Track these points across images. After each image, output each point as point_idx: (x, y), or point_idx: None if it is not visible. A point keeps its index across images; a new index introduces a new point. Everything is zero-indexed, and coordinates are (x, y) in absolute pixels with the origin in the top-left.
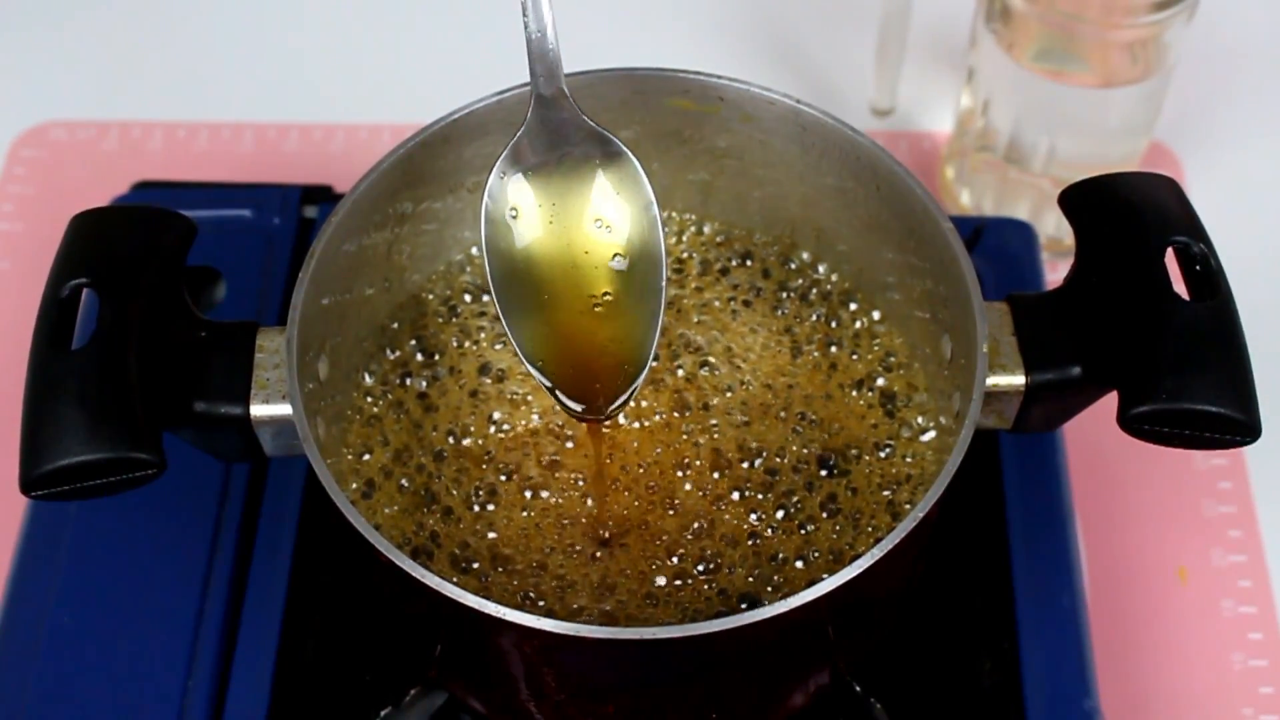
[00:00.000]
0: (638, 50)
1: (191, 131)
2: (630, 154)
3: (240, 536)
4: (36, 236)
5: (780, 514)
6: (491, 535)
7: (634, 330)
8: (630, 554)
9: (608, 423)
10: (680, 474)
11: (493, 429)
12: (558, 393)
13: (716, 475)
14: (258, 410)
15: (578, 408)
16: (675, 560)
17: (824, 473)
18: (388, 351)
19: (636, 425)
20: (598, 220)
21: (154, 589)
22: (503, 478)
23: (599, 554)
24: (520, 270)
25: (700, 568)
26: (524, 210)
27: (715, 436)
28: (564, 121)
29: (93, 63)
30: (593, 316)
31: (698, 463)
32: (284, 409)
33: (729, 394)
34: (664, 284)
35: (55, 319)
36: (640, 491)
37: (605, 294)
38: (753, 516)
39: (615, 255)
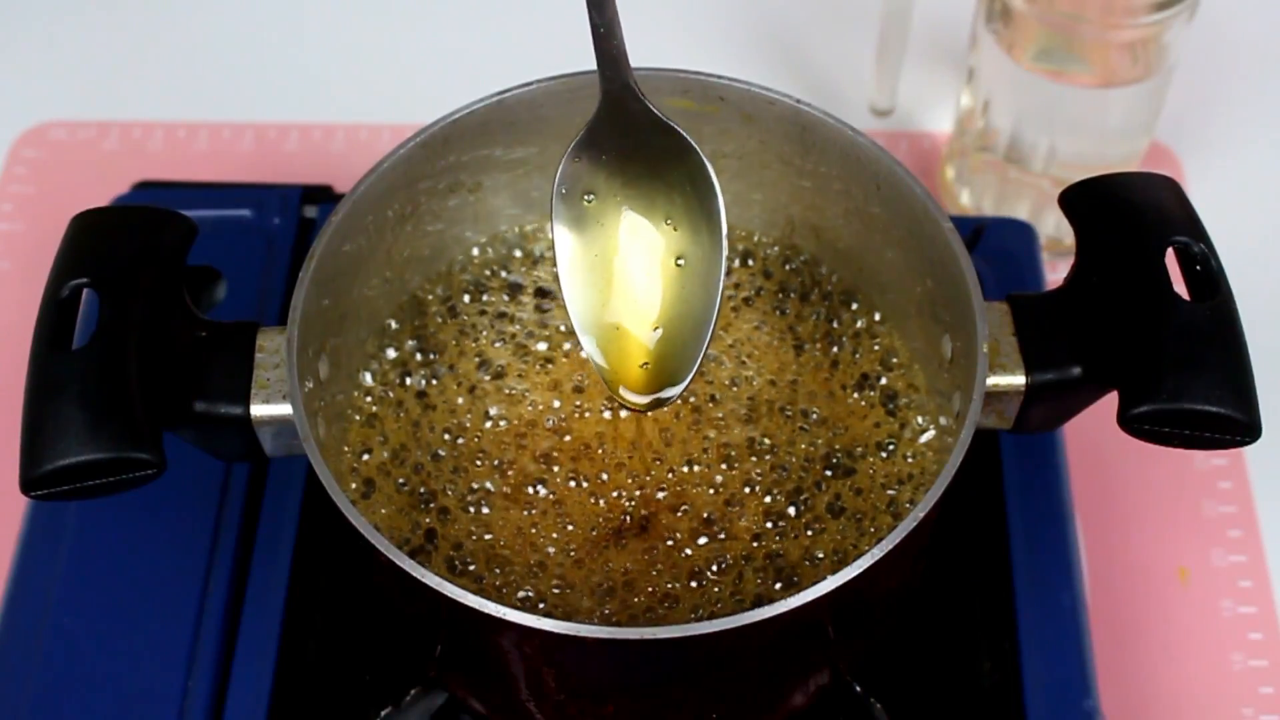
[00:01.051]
0: (638, 50)
1: (192, 131)
2: (696, 146)
3: (240, 536)
4: (37, 236)
5: (792, 511)
6: (488, 536)
7: (689, 319)
8: (635, 554)
9: (649, 414)
10: (687, 469)
11: (489, 424)
12: (605, 373)
13: (725, 467)
14: (258, 410)
15: (631, 398)
16: (685, 556)
17: (829, 472)
18: (388, 351)
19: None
20: (668, 218)
21: (154, 589)
22: (499, 475)
23: (605, 551)
24: (585, 248)
25: (713, 568)
26: (599, 194)
27: (722, 430)
28: (633, 113)
29: (93, 63)
30: (649, 298)
31: (705, 454)
32: (284, 409)
33: (734, 388)
34: (721, 279)
35: (55, 319)
36: (650, 488)
37: (678, 258)
38: (765, 517)
39: (678, 258)
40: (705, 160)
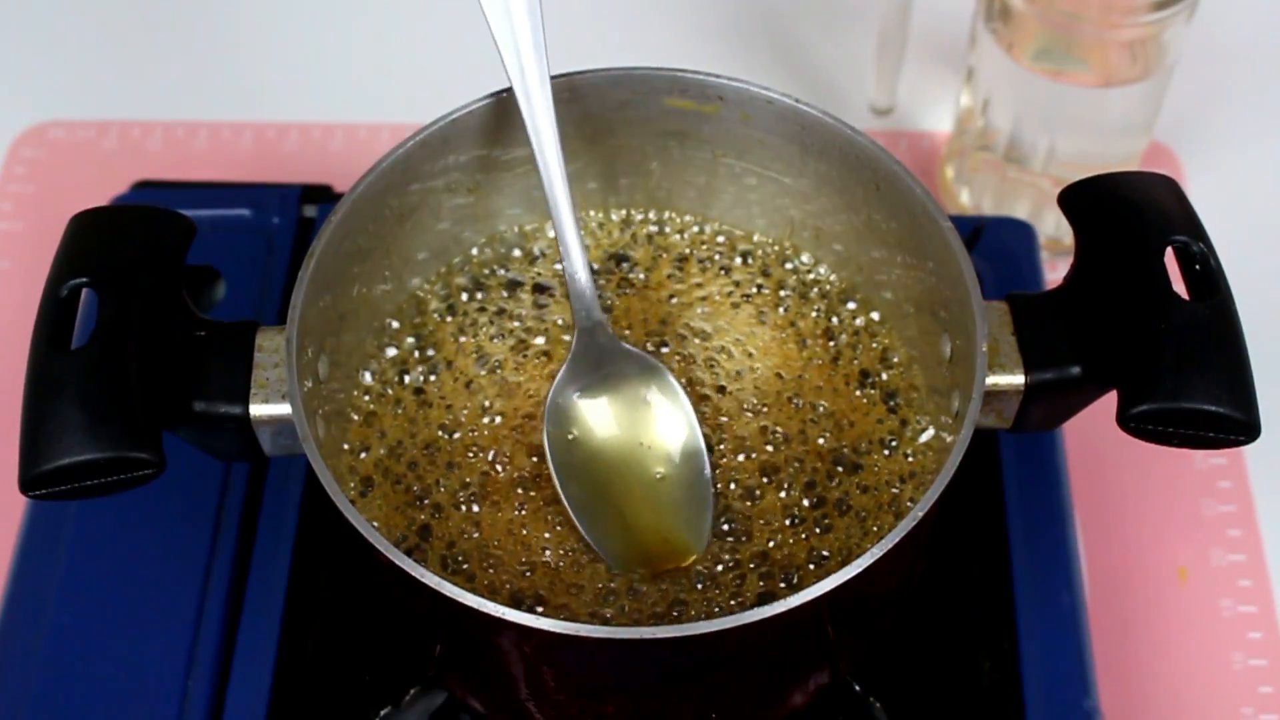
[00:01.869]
0: (637, 50)
1: (191, 131)
2: (664, 367)
3: (240, 536)
4: (36, 236)
5: (805, 504)
6: (476, 534)
7: (685, 513)
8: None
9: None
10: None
11: (485, 418)
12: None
13: (742, 458)
14: (257, 410)
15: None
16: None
17: (840, 467)
18: (387, 350)
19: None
20: (642, 442)
21: (154, 589)
22: (495, 469)
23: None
24: (580, 471)
25: (718, 567)
26: (581, 428)
27: (730, 420)
28: (603, 346)
29: (92, 62)
30: (648, 499)
31: (720, 446)
32: (283, 409)
33: (740, 379)
34: (708, 474)
35: (55, 318)
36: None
37: (659, 473)
38: (774, 515)
39: (657, 470)
40: (673, 378)
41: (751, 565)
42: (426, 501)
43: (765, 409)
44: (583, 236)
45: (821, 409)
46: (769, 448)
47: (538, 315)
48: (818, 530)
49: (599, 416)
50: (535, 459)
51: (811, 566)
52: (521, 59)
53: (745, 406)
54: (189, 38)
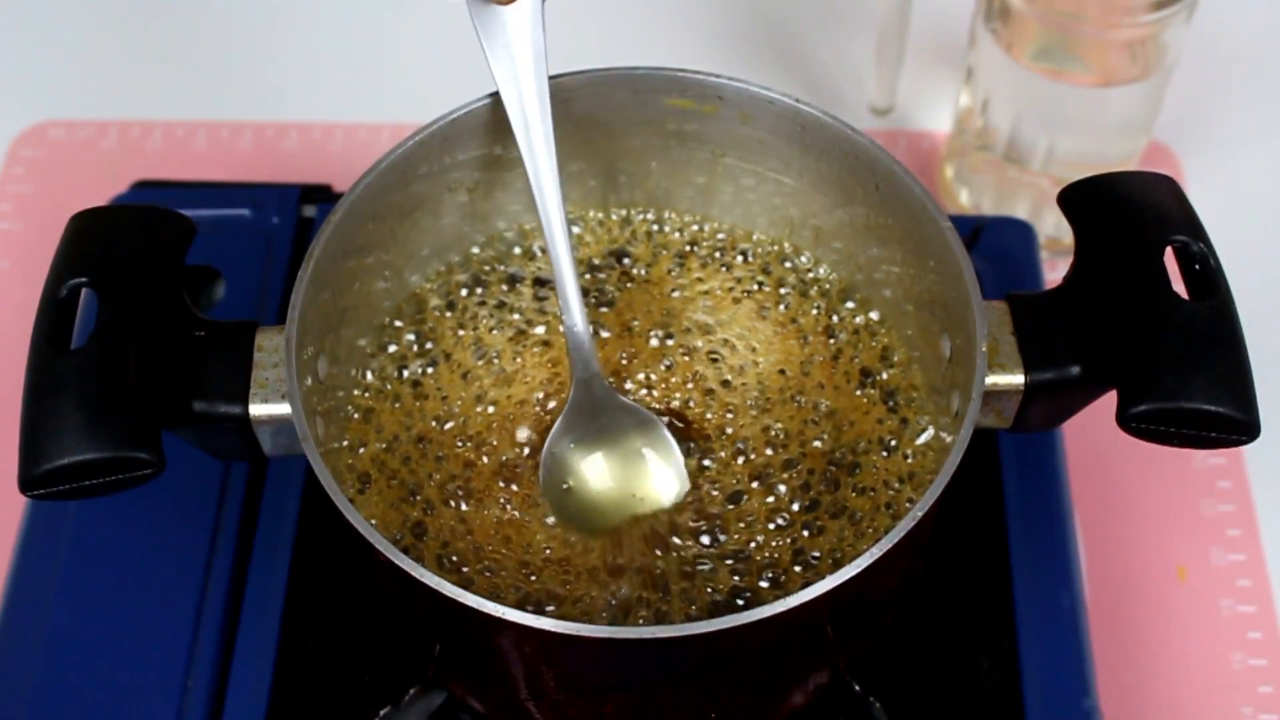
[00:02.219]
0: (636, 50)
1: (190, 131)
2: (657, 419)
3: (239, 536)
4: (36, 236)
5: (796, 507)
6: (470, 533)
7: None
8: (637, 547)
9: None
10: (694, 462)
11: (480, 407)
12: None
13: (741, 461)
14: (257, 410)
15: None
16: (686, 553)
17: (833, 468)
18: (387, 348)
19: (656, 406)
20: (635, 494)
21: (153, 588)
22: (490, 464)
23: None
24: (575, 517)
25: (708, 566)
26: (576, 478)
27: (733, 416)
28: (599, 398)
29: (92, 62)
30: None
31: (722, 453)
32: (283, 408)
33: (744, 374)
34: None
35: (54, 318)
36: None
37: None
38: (772, 514)
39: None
40: (665, 431)
41: (741, 562)
42: (419, 497)
43: (769, 407)
44: (580, 288)
45: (823, 408)
46: (769, 450)
47: (538, 307)
48: (806, 534)
49: (594, 468)
50: (523, 450)
51: (798, 568)
52: (530, 134)
53: (749, 402)
54: (188, 37)
